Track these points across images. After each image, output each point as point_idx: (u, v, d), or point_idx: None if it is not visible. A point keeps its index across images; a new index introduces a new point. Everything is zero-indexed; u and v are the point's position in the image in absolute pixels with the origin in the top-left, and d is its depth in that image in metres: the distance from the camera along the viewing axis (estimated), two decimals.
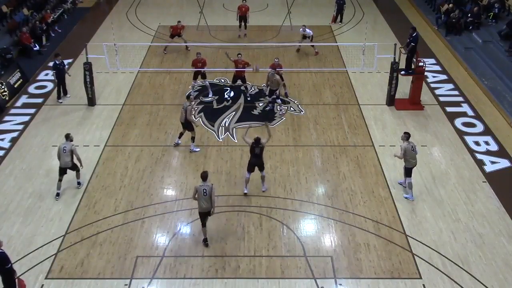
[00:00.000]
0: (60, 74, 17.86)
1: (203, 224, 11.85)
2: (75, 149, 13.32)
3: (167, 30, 22.54)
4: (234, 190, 13.77)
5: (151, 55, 21.90)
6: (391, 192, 13.70)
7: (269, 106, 17.63)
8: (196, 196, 11.61)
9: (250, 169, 13.45)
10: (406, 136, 13.30)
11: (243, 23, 23.47)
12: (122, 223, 12.60)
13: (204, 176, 11.63)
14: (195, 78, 18.38)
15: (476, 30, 22.99)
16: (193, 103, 15.97)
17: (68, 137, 13.39)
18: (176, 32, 21.76)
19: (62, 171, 13.37)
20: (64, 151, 13.14)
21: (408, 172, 13.40)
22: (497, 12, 23.05)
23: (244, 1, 23.62)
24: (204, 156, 15.16)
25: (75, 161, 13.39)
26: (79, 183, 13.82)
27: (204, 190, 11.50)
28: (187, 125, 15.15)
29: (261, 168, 13.51)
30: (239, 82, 18.33)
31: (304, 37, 21.60)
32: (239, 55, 18.05)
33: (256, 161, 13.36)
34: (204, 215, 11.78)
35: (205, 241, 11.96)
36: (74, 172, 13.70)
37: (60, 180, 13.41)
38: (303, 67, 20.72)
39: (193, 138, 15.33)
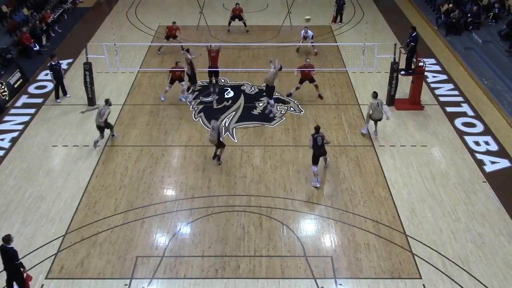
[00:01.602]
0: (57, 74, 17.87)
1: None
2: (107, 113, 15.18)
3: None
4: (234, 190, 13.77)
5: (151, 55, 21.90)
6: (391, 192, 13.70)
7: (268, 110, 17.42)
8: None
9: (316, 162, 13.86)
10: (374, 94, 15.85)
11: (236, 21, 24.18)
12: (122, 223, 12.60)
13: (215, 118, 14.60)
14: (171, 82, 17.85)
15: (476, 30, 22.99)
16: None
17: (107, 102, 15.36)
18: (171, 33, 21.79)
19: (99, 129, 15.34)
20: (102, 113, 15.12)
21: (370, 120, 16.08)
22: (497, 12, 23.05)
23: (237, 5, 24.20)
24: (204, 156, 15.17)
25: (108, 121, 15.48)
26: (113, 135, 15.89)
27: (213, 127, 14.37)
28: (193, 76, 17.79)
29: (324, 154, 14.11)
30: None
31: (305, 38, 21.71)
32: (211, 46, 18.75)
33: (320, 151, 13.83)
34: (214, 146, 14.74)
35: (217, 159, 14.76)
36: (75, 174, 13.88)
37: (101, 137, 15.42)
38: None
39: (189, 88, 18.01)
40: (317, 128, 13.83)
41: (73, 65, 20.92)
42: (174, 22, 22.03)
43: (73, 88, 18.91)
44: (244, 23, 24.25)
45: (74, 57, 21.46)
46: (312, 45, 21.75)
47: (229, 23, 24.33)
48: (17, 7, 24.23)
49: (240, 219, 12.77)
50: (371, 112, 15.80)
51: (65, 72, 19.48)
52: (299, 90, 18.34)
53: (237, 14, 24.06)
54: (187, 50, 18.12)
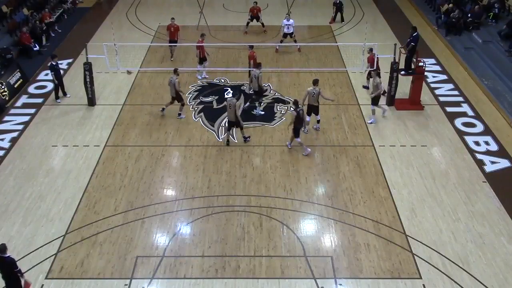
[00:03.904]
0: (58, 75, 17.87)
1: (228, 129, 15.68)
2: (177, 82, 16.41)
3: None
4: (234, 190, 13.77)
5: (151, 55, 21.90)
6: (391, 192, 13.70)
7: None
8: None
9: (298, 134, 15.24)
10: (377, 72, 16.93)
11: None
12: (122, 223, 12.60)
13: (233, 93, 15.87)
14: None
15: (476, 30, 23.00)
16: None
17: (176, 72, 16.56)
18: (172, 36, 20.85)
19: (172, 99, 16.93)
20: (171, 82, 16.52)
21: (377, 101, 16.79)
22: (497, 12, 23.05)
23: (255, 3, 24.17)
24: (204, 156, 15.17)
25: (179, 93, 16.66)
26: (179, 114, 16.98)
27: (230, 105, 15.08)
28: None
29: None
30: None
31: (285, 35, 21.77)
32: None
33: (301, 124, 15.23)
34: (230, 124, 15.55)
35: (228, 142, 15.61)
36: (75, 174, 13.89)
37: (170, 104, 16.98)
38: (303, 67, 20.72)
39: None
40: (296, 102, 14.99)
41: (73, 65, 20.92)
42: (172, 19, 20.92)
43: (73, 88, 18.91)
44: (262, 24, 24.17)
45: (74, 57, 21.46)
46: (295, 41, 21.81)
47: (247, 23, 24.20)
48: (17, 7, 24.25)
49: (240, 219, 12.77)
50: (381, 90, 16.76)
51: (65, 73, 19.45)
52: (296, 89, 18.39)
53: (254, 14, 23.99)
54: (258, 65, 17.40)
